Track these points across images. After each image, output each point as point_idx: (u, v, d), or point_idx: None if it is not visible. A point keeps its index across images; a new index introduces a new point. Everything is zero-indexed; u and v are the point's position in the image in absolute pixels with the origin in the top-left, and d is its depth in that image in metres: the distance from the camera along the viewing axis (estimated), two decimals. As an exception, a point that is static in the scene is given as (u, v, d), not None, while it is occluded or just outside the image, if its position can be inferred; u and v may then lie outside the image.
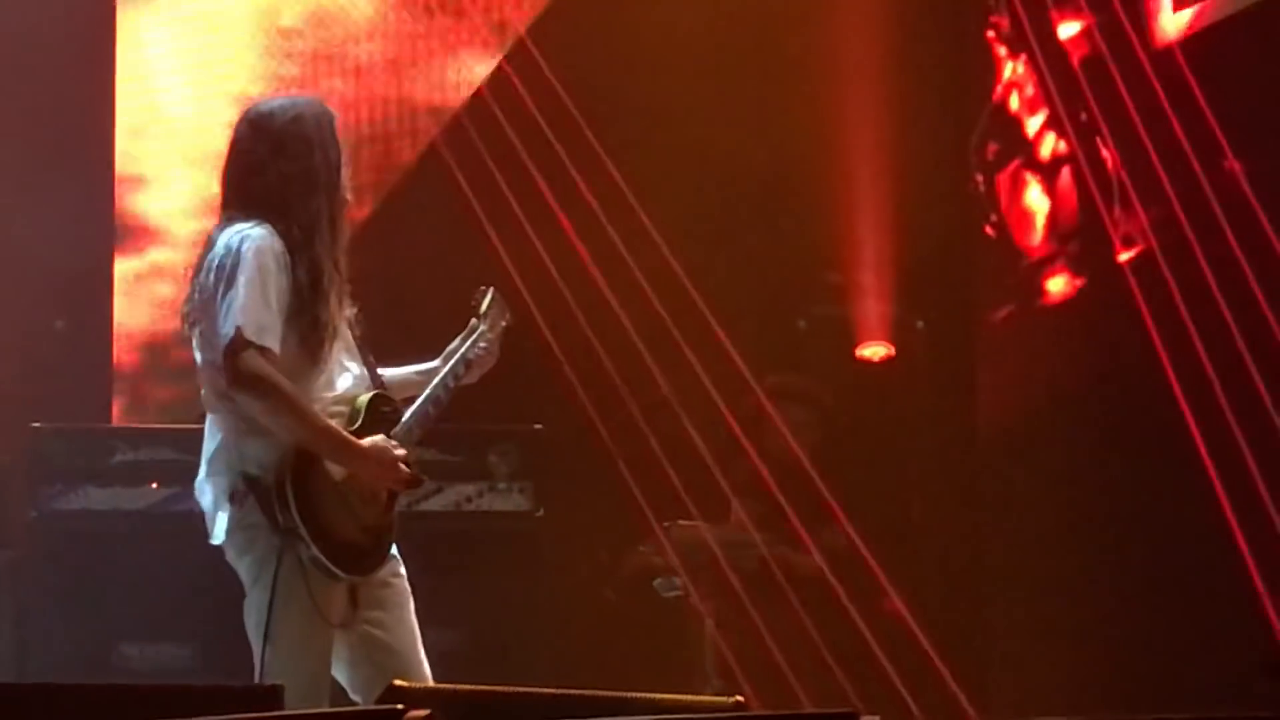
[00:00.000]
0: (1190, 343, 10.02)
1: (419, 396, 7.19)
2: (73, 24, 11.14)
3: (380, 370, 7.14)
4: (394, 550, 7.05)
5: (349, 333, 7.05)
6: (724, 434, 10.46)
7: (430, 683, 6.83)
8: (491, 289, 7.53)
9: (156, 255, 11.33)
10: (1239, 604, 9.54)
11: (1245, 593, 9.47)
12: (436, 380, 7.24)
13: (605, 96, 10.90)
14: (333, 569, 6.84)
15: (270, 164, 6.94)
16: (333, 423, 6.92)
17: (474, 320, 7.40)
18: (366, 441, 6.91)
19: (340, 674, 6.93)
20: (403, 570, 7.04)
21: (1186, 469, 9.78)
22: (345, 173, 7.10)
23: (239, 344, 6.71)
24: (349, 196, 7.14)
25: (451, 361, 7.28)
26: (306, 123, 7.00)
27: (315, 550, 6.81)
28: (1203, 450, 9.90)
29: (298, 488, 6.84)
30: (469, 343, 7.33)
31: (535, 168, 11.03)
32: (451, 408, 7.35)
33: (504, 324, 7.50)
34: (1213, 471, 9.81)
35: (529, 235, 10.94)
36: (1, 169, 10.81)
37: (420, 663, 6.99)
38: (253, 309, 6.79)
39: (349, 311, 7.07)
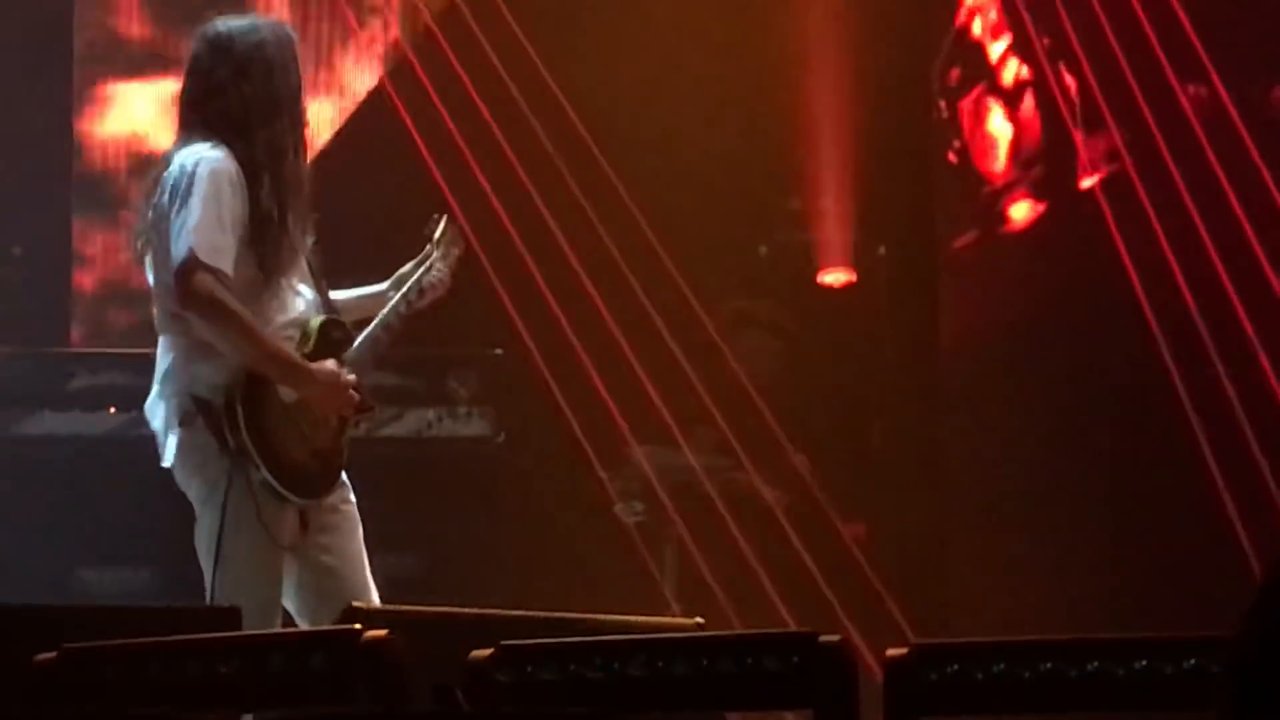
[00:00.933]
0: (1164, 264, 9.84)
1: (371, 321, 7.11)
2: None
3: (331, 294, 7.06)
4: (344, 477, 6.99)
5: (304, 258, 6.96)
6: (686, 360, 10.17)
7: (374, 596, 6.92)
8: (445, 217, 7.38)
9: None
10: (1211, 533, 9.37)
11: (1218, 521, 9.25)
12: (389, 306, 7.13)
13: (560, 32, 10.58)
14: (282, 491, 6.78)
15: (231, 86, 6.83)
16: (284, 346, 6.79)
17: (428, 246, 7.26)
18: (317, 366, 6.85)
19: (288, 598, 6.91)
20: (352, 497, 6.98)
21: (1156, 393, 9.68)
22: (304, 97, 7.05)
23: (191, 265, 6.62)
24: (308, 120, 7.05)
25: (404, 287, 7.16)
26: (268, 45, 6.88)
27: (265, 473, 6.75)
28: (1174, 374, 9.73)
29: (248, 410, 6.77)
30: (422, 269, 7.20)
31: (484, 102, 10.70)
32: (407, 333, 7.31)
33: (457, 252, 7.38)
34: (1184, 394, 9.65)
35: (479, 165, 10.61)
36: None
37: (368, 588, 6.94)
38: (206, 230, 6.70)
39: (309, 238, 6.99)
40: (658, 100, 10.74)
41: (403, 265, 7.25)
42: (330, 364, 6.86)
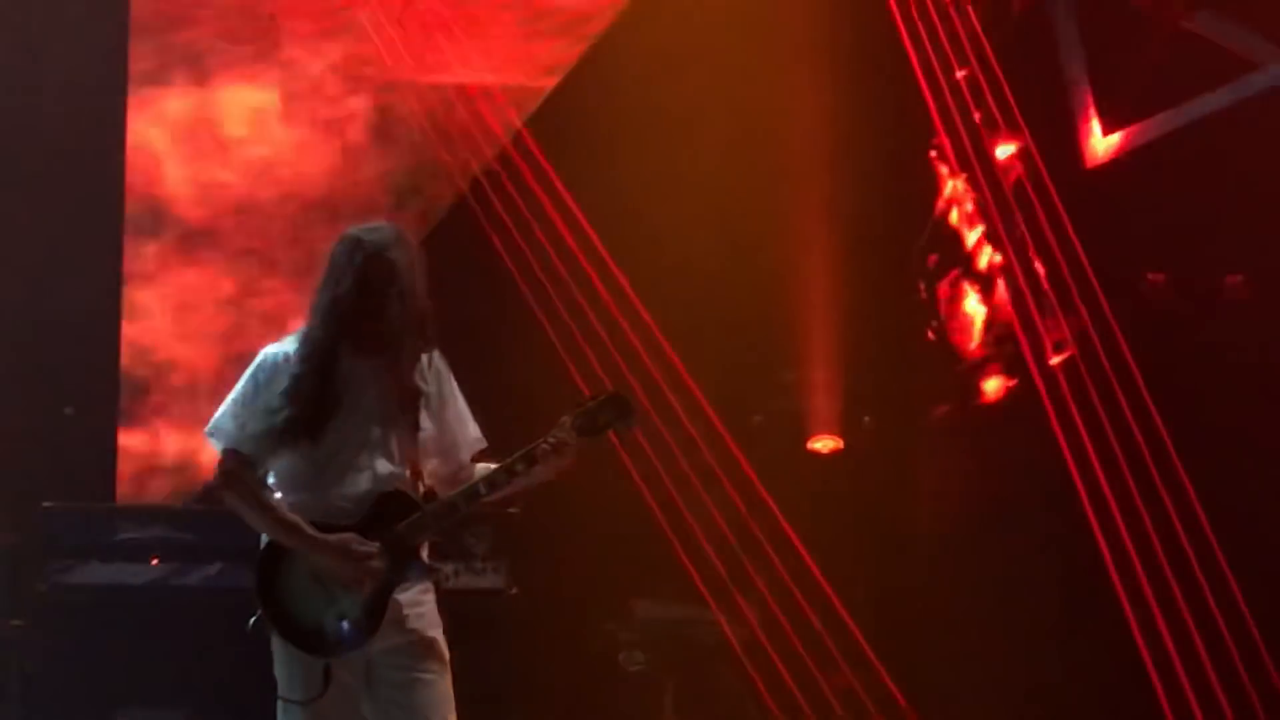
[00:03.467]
0: (1103, 438, 10.12)
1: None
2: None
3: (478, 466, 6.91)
4: (419, 631, 6.80)
5: (391, 432, 6.87)
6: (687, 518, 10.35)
7: None
8: (615, 397, 6.99)
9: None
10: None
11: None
12: (480, 475, 6.85)
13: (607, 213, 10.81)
14: (293, 648, 6.75)
15: (327, 290, 6.83)
16: (329, 519, 6.78)
17: (565, 419, 6.83)
18: (333, 537, 6.68)
19: None
20: (424, 654, 6.79)
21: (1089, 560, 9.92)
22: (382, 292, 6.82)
23: (219, 448, 6.79)
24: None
25: (512, 460, 6.80)
26: (338, 253, 6.84)
27: (278, 631, 6.77)
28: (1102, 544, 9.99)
29: (265, 576, 6.79)
30: (544, 440, 6.81)
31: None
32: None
33: (576, 440, 6.89)
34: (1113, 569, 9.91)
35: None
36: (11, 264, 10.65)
37: None
38: (229, 415, 6.77)
39: (379, 426, 6.90)
40: (672, 278, 10.87)
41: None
42: (347, 535, 6.69)
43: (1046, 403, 10.53)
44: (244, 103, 11.80)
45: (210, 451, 6.82)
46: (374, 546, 6.68)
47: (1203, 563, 9.97)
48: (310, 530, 6.66)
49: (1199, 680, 9.84)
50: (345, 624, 6.75)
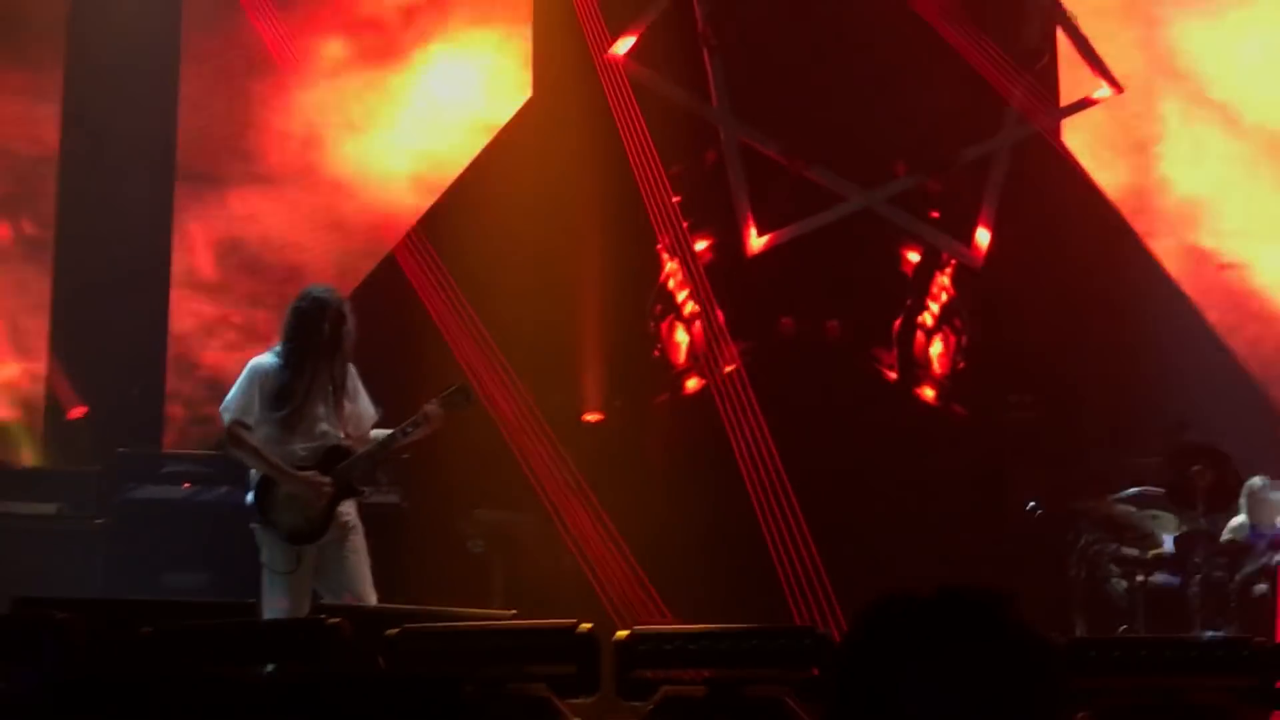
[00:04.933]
0: (747, 419, 10.13)
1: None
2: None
3: (376, 431, 6.93)
4: (348, 525, 6.79)
5: (332, 412, 6.73)
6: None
7: (373, 601, 6.66)
8: (459, 386, 6.92)
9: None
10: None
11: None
12: (388, 435, 6.87)
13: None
14: (278, 539, 6.77)
15: (291, 323, 6.77)
16: (295, 463, 6.72)
17: (434, 400, 6.77)
18: (301, 474, 6.75)
19: (320, 587, 6.76)
20: (354, 538, 6.76)
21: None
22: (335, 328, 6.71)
23: (224, 420, 6.89)
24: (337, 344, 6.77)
25: (404, 425, 6.80)
26: (305, 306, 6.78)
27: (268, 528, 6.79)
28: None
29: (260, 495, 6.85)
30: (422, 414, 6.75)
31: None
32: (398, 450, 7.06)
33: (458, 411, 6.85)
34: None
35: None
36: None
37: (363, 594, 6.68)
38: (235, 399, 6.86)
39: (325, 407, 6.71)
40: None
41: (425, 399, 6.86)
42: (311, 473, 6.75)
43: (719, 397, 10.42)
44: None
45: (221, 421, 6.90)
46: (327, 480, 6.73)
47: (787, 500, 10.03)
48: (290, 470, 6.74)
49: (792, 568, 9.83)
50: (309, 524, 6.69)
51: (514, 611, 6.53)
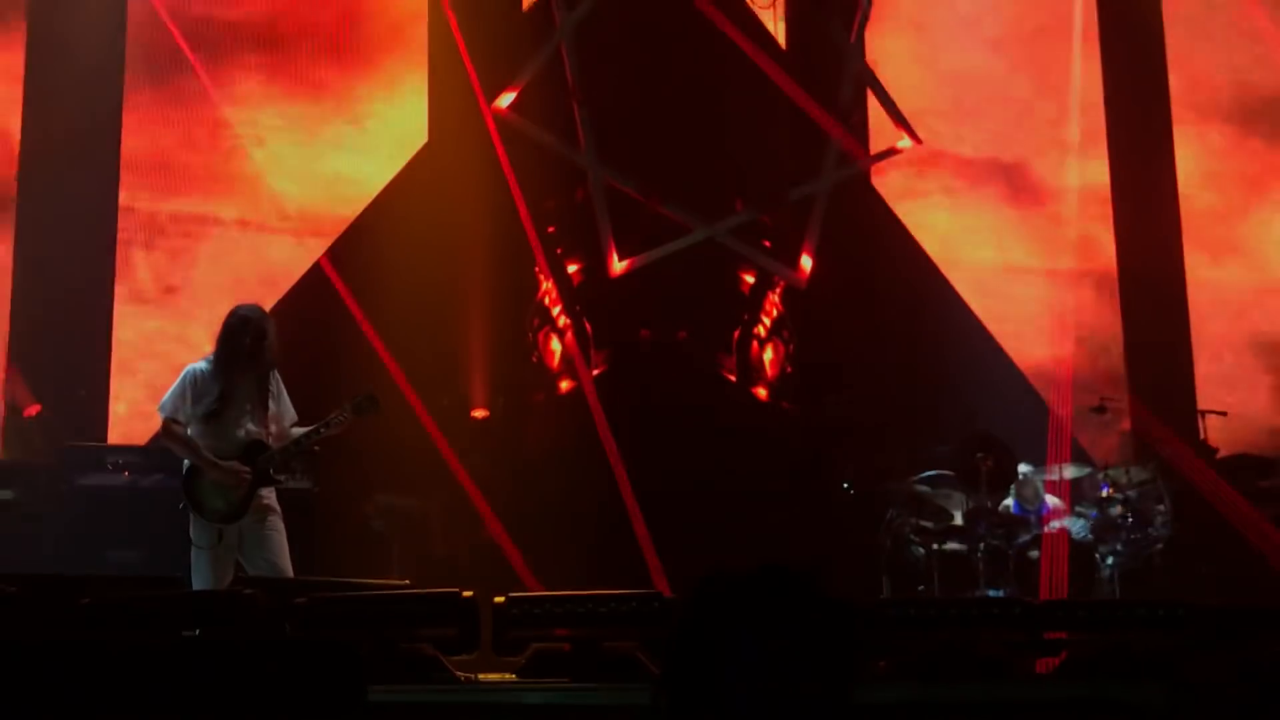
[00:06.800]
0: (612, 415, 10.07)
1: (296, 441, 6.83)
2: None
3: (295, 429, 6.78)
4: (267, 507, 6.63)
5: (255, 411, 6.60)
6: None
7: (290, 572, 6.50)
8: (369, 395, 6.64)
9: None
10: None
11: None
12: (304, 432, 6.74)
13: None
14: (203, 519, 6.61)
15: (221, 336, 6.67)
16: (220, 455, 6.57)
17: (346, 405, 6.62)
18: (224, 463, 6.59)
19: (245, 562, 6.60)
20: (272, 519, 6.60)
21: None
22: (258, 343, 6.55)
23: (161, 416, 6.78)
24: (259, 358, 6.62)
25: (319, 424, 6.66)
26: (232, 322, 6.65)
27: (194, 511, 6.64)
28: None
29: (189, 481, 6.69)
30: (334, 416, 6.62)
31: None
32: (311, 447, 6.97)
33: (364, 416, 6.63)
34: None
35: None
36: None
37: (280, 569, 6.52)
38: (170, 399, 6.74)
39: (248, 407, 6.59)
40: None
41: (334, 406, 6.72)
42: (233, 463, 6.59)
43: (589, 394, 10.34)
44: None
45: (158, 418, 6.77)
46: (247, 469, 6.60)
47: (644, 482, 9.99)
48: (215, 460, 6.60)
49: (649, 540, 9.77)
50: (230, 506, 6.53)
51: (407, 581, 6.45)
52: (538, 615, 5.53)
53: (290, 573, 6.50)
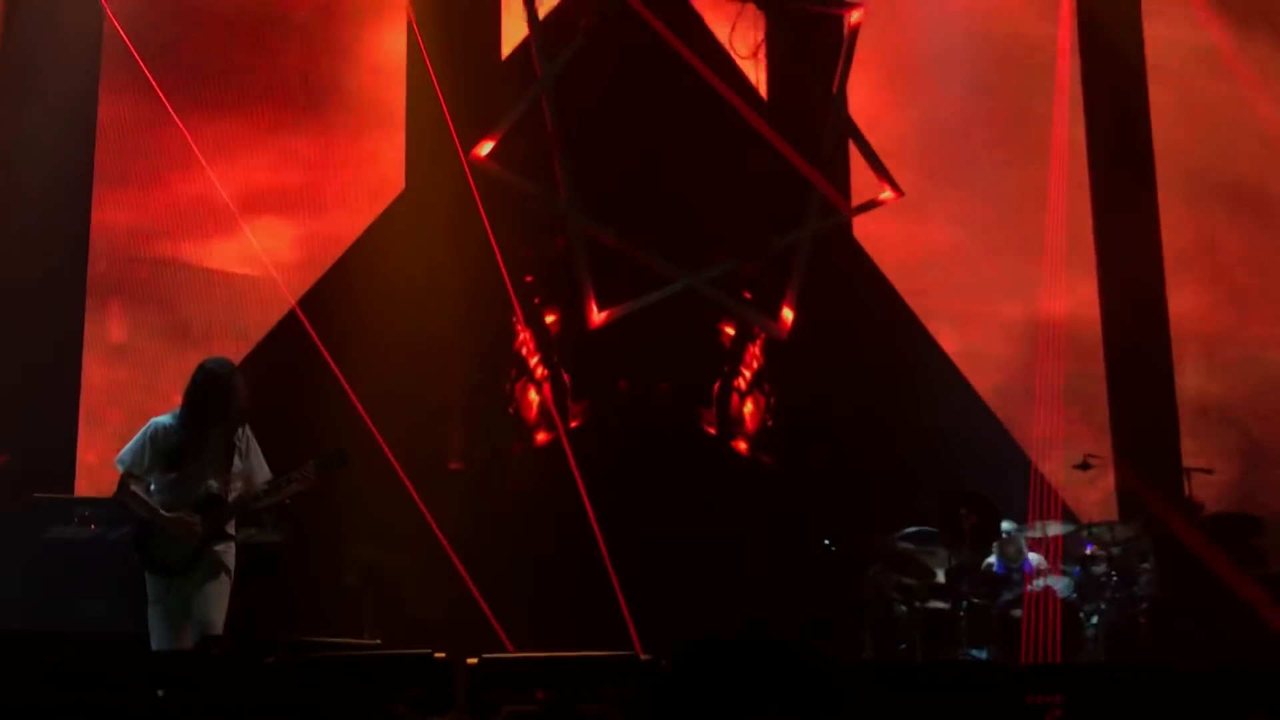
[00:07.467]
0: (583, 465, 10.08)
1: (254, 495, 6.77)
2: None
3: (257, 480, 6.73)
4: (221, 565, 6.57)
5: (218, 467, 6.55)
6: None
7: (215, 630, 6.45)
8: (336, 451, 6.61)
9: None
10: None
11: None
12: (260, 489, 6.66)
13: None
14: (152, 574, 6.60)
15: (187, 391, 6.63)
16: (173, 511, 6.54)
17: (310, 461, 6.58)
18: (173, 516, 6.54)
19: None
20: (223, 576, 6.54)
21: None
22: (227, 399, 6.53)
23: (118, 470, 6.72)
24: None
25: (279, 480, 6.63)
26: (199, 377, 6.64)
27: (143, 566, 6.61)
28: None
29: (140, 536, 6.67)
30: (295, 472, 6.59)
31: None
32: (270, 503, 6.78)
33: (315, 473, 6.58)
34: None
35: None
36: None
37: (206, 617, 6.49)
38: (129, 452, 6.69)
39: (212, 462, 6.55)
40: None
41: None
42: (183, 514, 6.53)
43: (567, 446, 10.30)
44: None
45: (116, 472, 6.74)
46: (197, 519, 6.55)
47: (623, 536, 9.91)
48: (162, 512, 6.56)
49: (625, 596, 9.76)
50: (180, 560, 6.47)
51: (378, 641, 6.41)
52: (512, 676, 5.51)
53: (218, 629, 6.41)
